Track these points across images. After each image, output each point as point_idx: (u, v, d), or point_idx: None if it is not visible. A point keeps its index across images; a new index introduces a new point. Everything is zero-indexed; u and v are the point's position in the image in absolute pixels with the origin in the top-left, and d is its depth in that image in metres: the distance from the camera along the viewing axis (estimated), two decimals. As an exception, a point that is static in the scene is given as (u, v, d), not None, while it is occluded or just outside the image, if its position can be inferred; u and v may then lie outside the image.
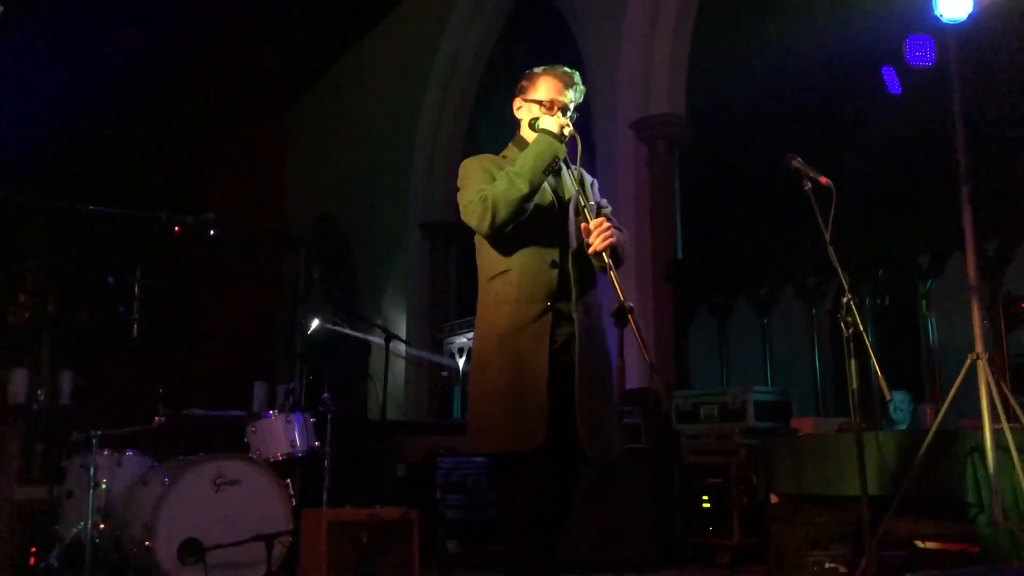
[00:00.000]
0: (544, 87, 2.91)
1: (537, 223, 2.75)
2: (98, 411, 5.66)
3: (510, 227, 2.71)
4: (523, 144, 2.90)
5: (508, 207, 2.68)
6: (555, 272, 2.75)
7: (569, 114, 2.88)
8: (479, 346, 2.83)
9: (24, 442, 5.39)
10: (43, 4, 8.61)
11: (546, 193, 2.79)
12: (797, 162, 3.23)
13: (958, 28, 4.10)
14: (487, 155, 2.95)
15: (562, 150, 2.73)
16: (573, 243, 2.80)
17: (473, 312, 2.94)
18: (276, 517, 4.64)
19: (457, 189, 2.86)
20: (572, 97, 2.91)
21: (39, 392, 5.36)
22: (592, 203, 2.79)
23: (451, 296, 9.67)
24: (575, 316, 2.75)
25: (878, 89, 5.44)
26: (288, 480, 5.02)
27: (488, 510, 5.65)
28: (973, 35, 4.39)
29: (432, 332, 9.41)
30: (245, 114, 12.54)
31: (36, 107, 8.66)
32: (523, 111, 2.96)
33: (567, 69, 2.94)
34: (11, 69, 8.42)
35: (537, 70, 2.95)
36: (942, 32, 4.21)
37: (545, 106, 2.88)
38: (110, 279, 6.60)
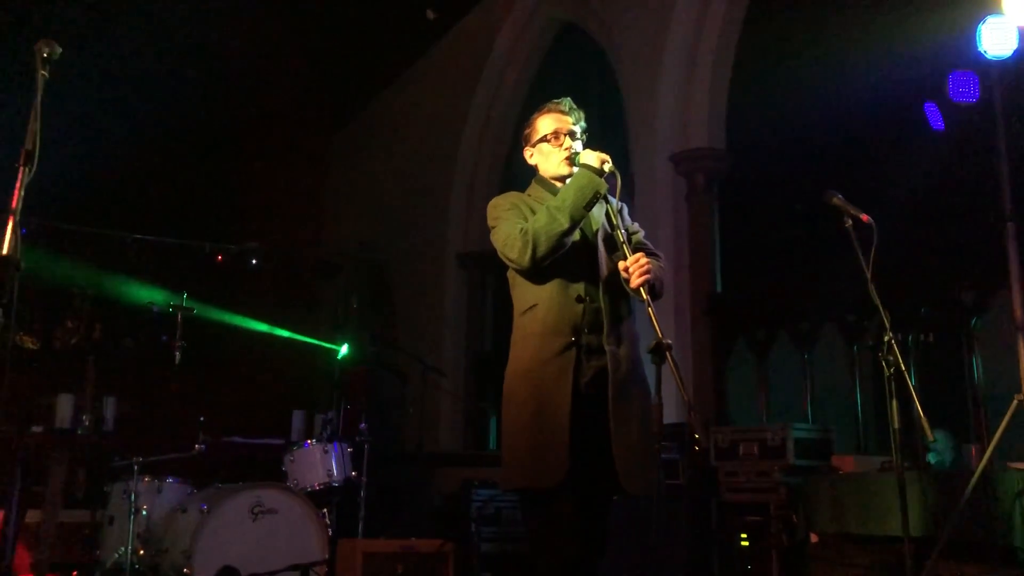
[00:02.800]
0: (543, 124, 2.98)
1: (564, 258, 2.76)
2: (140, 437, 5.74)
3: (549, 261, 2.72)
4: (545, 183, 2.95)
5: (549, 241, 2.69)
6: (580, 307, 2.75)
7: (579, 137, 2.94)
8: (507, 381, 2.84)
9: (68, 467, 5.48)
10: (91, 38, 8.86)
11: None
12: (837, 199, 3.21)
13: (1002, 64, 4.08)
14: (514, 192, 2.99)
15: (603, 185, 2.74)
16: (603, 272, 2.80)
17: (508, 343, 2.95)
18: (312, 547, 4.66)
19: (489, 227, 2.90)
20: (574, 120, 2.95)
21: (84, 417, 5.45)
22: (623, 231, 2.79)
23: (487, 327, 9.69)
24: (607, 348, 2.74)
25: (920, 125, 5.39)
26: (324, 509, 5.04)
27: (522, 543, 5.62)
28: (1018, 71, 4.35)
29: (468, 362, 9.43)
30: (287, 144, 12.75)
31: (83, 138, 8.88)
32: (535, 156, 3.02)
33: (557, 99, 3.00)
34: (61, 103, 8.65)
35: (533, 116, 3.02)
36: (986, 68, 4.18)
37: (550, 139, 2.93)
38: (154, 307, 6.73)
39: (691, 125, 6.96)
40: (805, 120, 6.42)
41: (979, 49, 4.03)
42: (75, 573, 5.15)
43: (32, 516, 5.46)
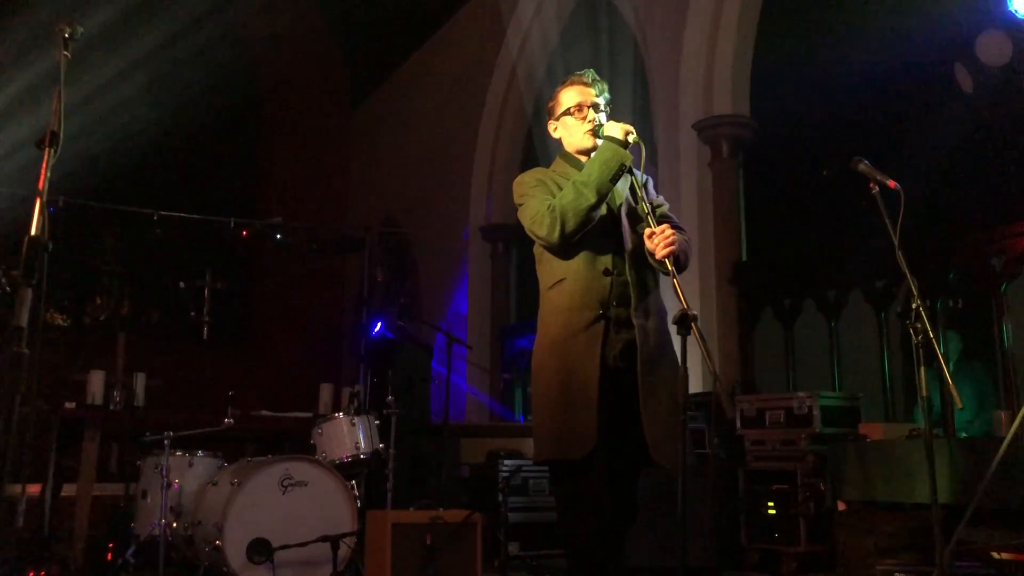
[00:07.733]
0: (566, 97, 2.96)
1: (590, 232, 2.75)
2: (170, 412, 5.82)
3: (578, 236, 2.72)
4: (570, 158, 2.94)
5: (576, 217, 2.68)
6: (608, 280, 2.75)
7: (602, 108, 2.92)
8: (536, 354, 2.86)
9: (101, 442, 5.58)
10: (115, 17, 8.87)
11: None
12: (864, 165, 3.16)
13: (1034, 24, 3.99)
14: (539, 168, 2.99)
15: (628, 157, 2.72)
16: (628, 245, 2.79)
17: (533, 314, 2.96)
18: (341, 518, 4.71)
19: (516, 204, 2.89)
20: (597, 91, 2.94)
21: (115, 393, 5.52)
22: (648, 203, 2.77)
23: (512, 299, 9.70)
24: (635, 321, 2.74)
25: (949, 87, 5.30)
26: (353, 482, 5.09)
27: (549, 513, 5.66)
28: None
29: (493, 334, 9.45)
30: (310, 120, 12.77)
31: (110, 117, 8.94)
32: (559, 130, 3.00)
33: (579, 71, 2.99)
34: (88, 83, 8.70)
35: (556, 89, 3.01)
36: (1016, 28, 4.10)
37: (574, 112, 2.90)
38: (181, 283, 6.80)
39: (715, 91, 6.87)
40: (831, 85, 6.32)
41: (1010, 9, 3.95)
42: (111, 545, 5.25)
43: (67, 490, 5.57)
